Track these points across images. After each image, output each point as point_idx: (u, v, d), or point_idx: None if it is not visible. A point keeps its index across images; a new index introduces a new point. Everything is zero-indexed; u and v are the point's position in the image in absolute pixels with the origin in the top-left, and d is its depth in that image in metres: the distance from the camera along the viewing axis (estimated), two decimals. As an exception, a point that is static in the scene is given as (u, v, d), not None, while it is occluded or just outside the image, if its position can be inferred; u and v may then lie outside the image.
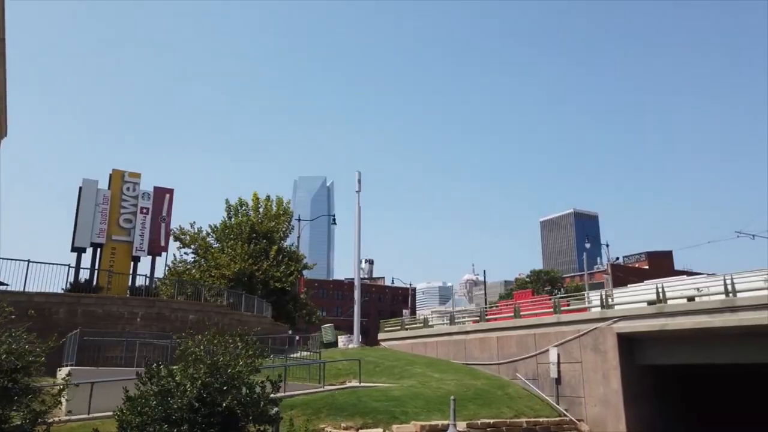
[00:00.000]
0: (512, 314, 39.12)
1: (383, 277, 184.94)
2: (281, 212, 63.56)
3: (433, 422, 26.35)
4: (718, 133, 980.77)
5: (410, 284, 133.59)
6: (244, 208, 63.05)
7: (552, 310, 36.36)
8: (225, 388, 15.27)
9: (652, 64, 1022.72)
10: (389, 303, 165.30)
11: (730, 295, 27.69)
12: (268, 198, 64.34)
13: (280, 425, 18.62)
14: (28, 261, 34.06)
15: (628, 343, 31.83)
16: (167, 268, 57.85)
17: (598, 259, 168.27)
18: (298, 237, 67.01)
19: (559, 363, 33.27)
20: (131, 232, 42.46)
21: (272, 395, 16.73)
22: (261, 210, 63.26)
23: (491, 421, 28.03)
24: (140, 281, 42.56)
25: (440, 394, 30.06)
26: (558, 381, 33.18)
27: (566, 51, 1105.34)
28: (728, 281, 28.00)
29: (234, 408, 15.17)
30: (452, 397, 26.41)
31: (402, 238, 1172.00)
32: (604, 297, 33.02)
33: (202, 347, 16.11)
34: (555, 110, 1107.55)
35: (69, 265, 35.99)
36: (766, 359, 28.10)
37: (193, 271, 57.32)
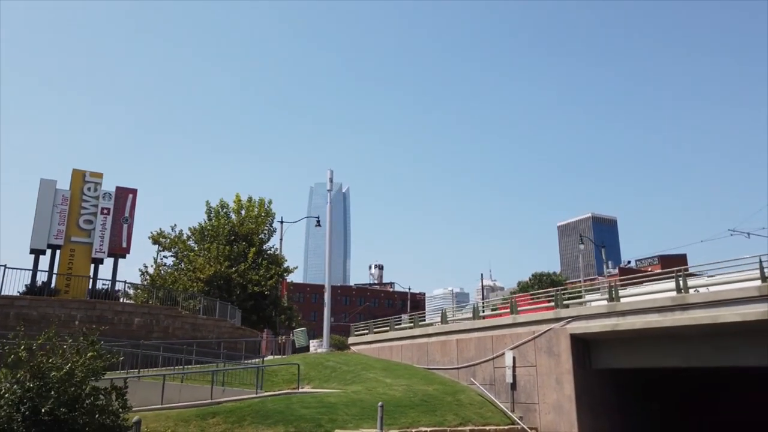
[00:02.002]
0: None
1: (393, 282, 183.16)
2: (263, 213, 61.94)
3: (361, 430, 24.61)
4: (742, 132, 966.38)
5: (409, 288, 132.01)
6: (225, 210, 61.58)
7: (509, 310, 34.37)
8: (53, 393, 13.59)
9: (662, 65, 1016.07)
10: (398, 308, 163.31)
11: (682, 291, 25.55)
12: (250, 199, 62.83)
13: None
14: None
15: (583, 345, 29.66)
16: (141, 271, 56.76)
17: (609, 263, 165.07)
18: (281, 239, 65.45)
19: (514, 367, 31.18)
20: (91, 234, 40.99)
21: (129, 403, 15.16)
22: (243, 212, 61.76)
23: (429, 429, 26.14)
24: (105, 284, 41.18)
25: (383, 400, 28.13)
26: (513, 386, 31.11)
27: (582, 53, 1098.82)
28: (680, 278, 25.86)
29: (61, 416, 13.46)
30: (380, 404, 24.71)
31: (420, 245, 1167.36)
32: (558, 295, 30.91)
33: (22, 348, 14.34)
34: (570, 112, 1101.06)
35: (5, 266, 34.43)
36: (721, 362, 25.96)
37: (167, 275, 55.79)
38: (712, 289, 25.17)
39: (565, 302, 30.88)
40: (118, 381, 15.45)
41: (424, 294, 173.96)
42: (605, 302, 28.81)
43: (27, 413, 13.17)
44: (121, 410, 14.83)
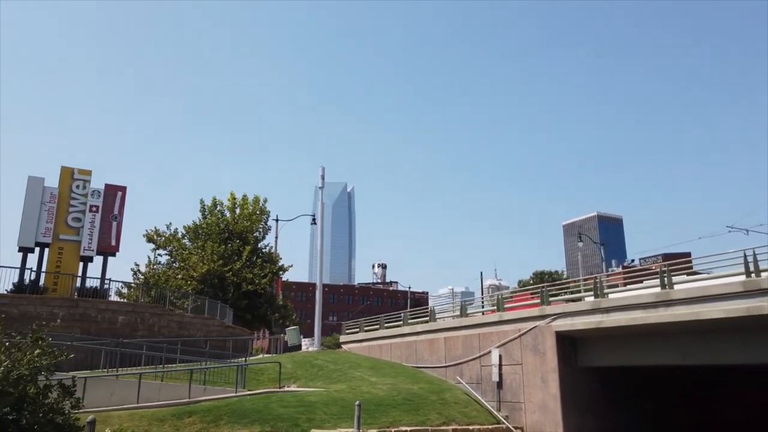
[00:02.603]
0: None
1: (396, 282, 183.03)
2: (257, 212, 61.50)
3: (338, 430, 24.13)
4: (746, 128, 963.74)
5: (409, 287, 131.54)
6: (219, 207, 61.12)
7: (495, 307, 33.81)
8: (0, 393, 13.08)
9: (665, 63, 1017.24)
10: (401, 308, 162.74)
11: (666, 288, 24.95)
12: (245, 197, 62.38)
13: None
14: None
15: (569, 342, 29.07)
16: (133, 270, 56.35)
17: (613, 261, 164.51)
18: (276, 237, 64.97)
19: (500, 365, 30.62)
20: (80, 232, 40.77)
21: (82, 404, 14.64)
22: (237, 210, 61.33)
23: (409, 428, 25.64)
24: (94, 282, 40.87)
25: (364, 399, 27.69)
26: (499, 385, 30.55)
27: (586, 51, 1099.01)
28: (665, 273, 25.23)
29: (3, 416, 12.96)
30: (357, 403, 24.20)
31: (427, 244, 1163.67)
32: (544, 292, 30.33)
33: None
34: (575, 110, 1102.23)
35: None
36: (707, 360, 25.31)
37: (161, 273, 55.44)
38: (696, 284, 24.57)
39: (550, 299, 30.30)
40: (66, 380, 14.79)
41: (427, 293, 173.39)
42: (591, 299, 28.22)
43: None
44: (71, 409, 14.31)
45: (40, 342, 14.52)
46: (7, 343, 14.26)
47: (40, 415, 13.53)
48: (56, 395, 14.20)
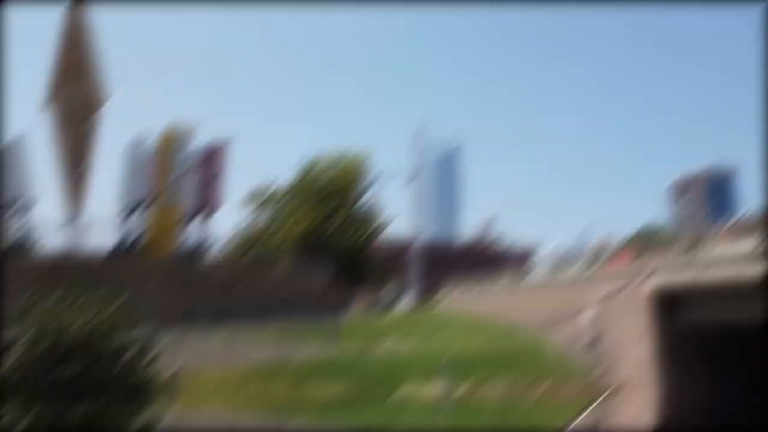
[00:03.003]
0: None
1: (502, 239, 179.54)
2: (358, 170, 60.58)
3: (427, 386, 24.06)
4: None
5: (514, 244, 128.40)
6: (319, 165, 60.54)
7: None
8: (73, 349, 13.08)
9: None
10: (506, 265, 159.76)
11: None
12: (345, 154, 61.48)
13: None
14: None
15: (665, 300, 27.47)
16: (233, 230, 56.87)
17: (725, 218, 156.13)
18: (377, 195, 63.69)
19: (595, 324, 29.58)
20: (181, 191, 39.99)
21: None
22: (336, 168, 60.66)
23: (500, 386, 25.34)
24: (194, 242, 41.20)
25: (457, 356, 27.25)
26: (594, 343, 29.54)
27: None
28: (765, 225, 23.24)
29: (82, 374, 12.96)
30: (445, 360, 23.98)
31: (537, 200, 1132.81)
32: (641, 249, 28.93)
33: (36, 304, 13.65)
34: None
35: (89, 224, 34.72)
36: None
37: (261, 233, 56.09)
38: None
39: (648, 256, 28.84)
40: (143, 337, 14.68)
41: (533, 250, 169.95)
42: (689, 255, 26.51)
43: (47, 371, 12.79)
44: (149, 366, 14.29)
45: (117, 299, 14.42)
46: (83, 300, 14.20)
47: (117, 371, 13.54)
48: (134, 352, 14.17)
